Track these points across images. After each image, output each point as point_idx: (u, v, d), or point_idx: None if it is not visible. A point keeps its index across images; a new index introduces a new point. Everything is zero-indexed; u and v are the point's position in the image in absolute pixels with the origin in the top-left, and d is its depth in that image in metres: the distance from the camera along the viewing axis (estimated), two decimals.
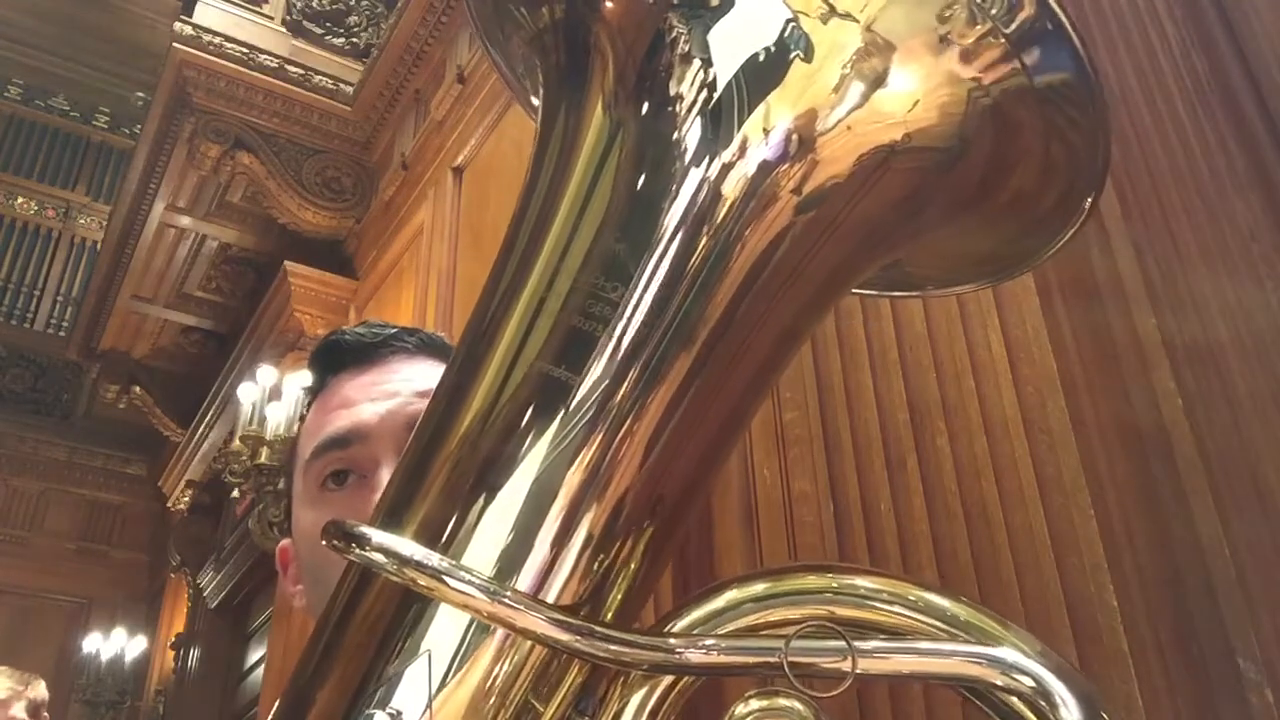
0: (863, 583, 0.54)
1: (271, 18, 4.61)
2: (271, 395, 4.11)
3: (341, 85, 4.54)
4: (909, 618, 0.53)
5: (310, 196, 4.39)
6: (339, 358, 0.89)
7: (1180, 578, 1.14)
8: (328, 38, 4.76)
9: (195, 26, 4.30)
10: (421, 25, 4.06)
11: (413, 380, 0.84)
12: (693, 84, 0.57)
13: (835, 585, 0.54)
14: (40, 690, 3.63)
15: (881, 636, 0.52)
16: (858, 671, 0.47)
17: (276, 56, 4.45)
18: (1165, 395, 1.22)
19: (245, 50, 4.35)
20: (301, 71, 4.48)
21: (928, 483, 1.46)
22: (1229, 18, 1.34)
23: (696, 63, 0.57)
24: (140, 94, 9.31)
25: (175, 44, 4.24)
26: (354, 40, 4.82)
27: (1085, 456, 1.28)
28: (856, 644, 0.47)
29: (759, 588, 0.55)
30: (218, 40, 4.30)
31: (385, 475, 0.79)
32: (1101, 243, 1.33)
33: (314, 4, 4.77)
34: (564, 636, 0.43)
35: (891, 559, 1.45)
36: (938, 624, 0.52)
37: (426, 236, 3.84)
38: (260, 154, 4.31)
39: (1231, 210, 1.26)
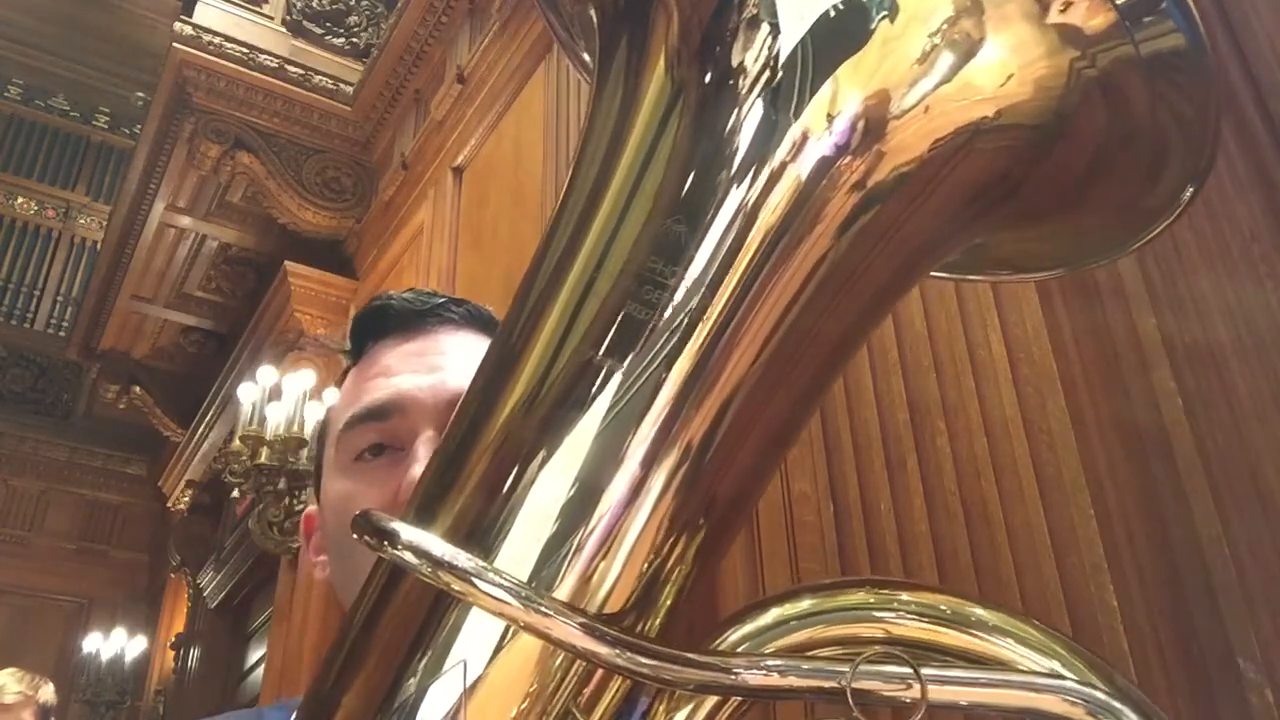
0: (917, 599, 0.51)
1: (271, 18, 4.61)
2: (271, 395, 4.11)
3: (341, 85, 4.55)
4: (972, 640, 0.49)
5: (310, 196, 4.39)
6: (383, 324, 0.85)
7: (1180, 578, 1.14)
8: (328, 38, 4.76)
9: (195, 26, 4.30)
10: (421, 25, 4.06)
11: (457, 354, 0.81)
12: (763, 49, 0.51)
13: (889, 602, 0.51)
14: (49, 693, 3.63)
15: (951, 662, 0.48)
16: (928, 701, 0.43)
17: (276, 56, 4.45)
18: (1165, 395, 1.22)
19: (245, 50, 4.35)
20: (301, 71, 4.48)
21: (928, 483, 1.46)
22: (1229, 18, 1.34)
23: (767, 26, 0.51)
24: (140, 94, 9.31)
25: (175, 44, 4.24)
26: (354, 40, 4.82)
27: (1085, 456, 1.28)
28: (925, 670, 0.43)
29: (805, 604, 0.51)
30: (218, 40, 4.30)
31: (422, 447, 0.75)
32: None
33: (314, 4, 4.77)
34: (603, 650, 0.40)
35: (891, 559, 1.46)
36: (1002, 648, 0.48)
37: (426, 236, 3.85)
38: (260, 154, 4.31)
39: (1231, 210, 1.26)
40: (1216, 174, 1.28)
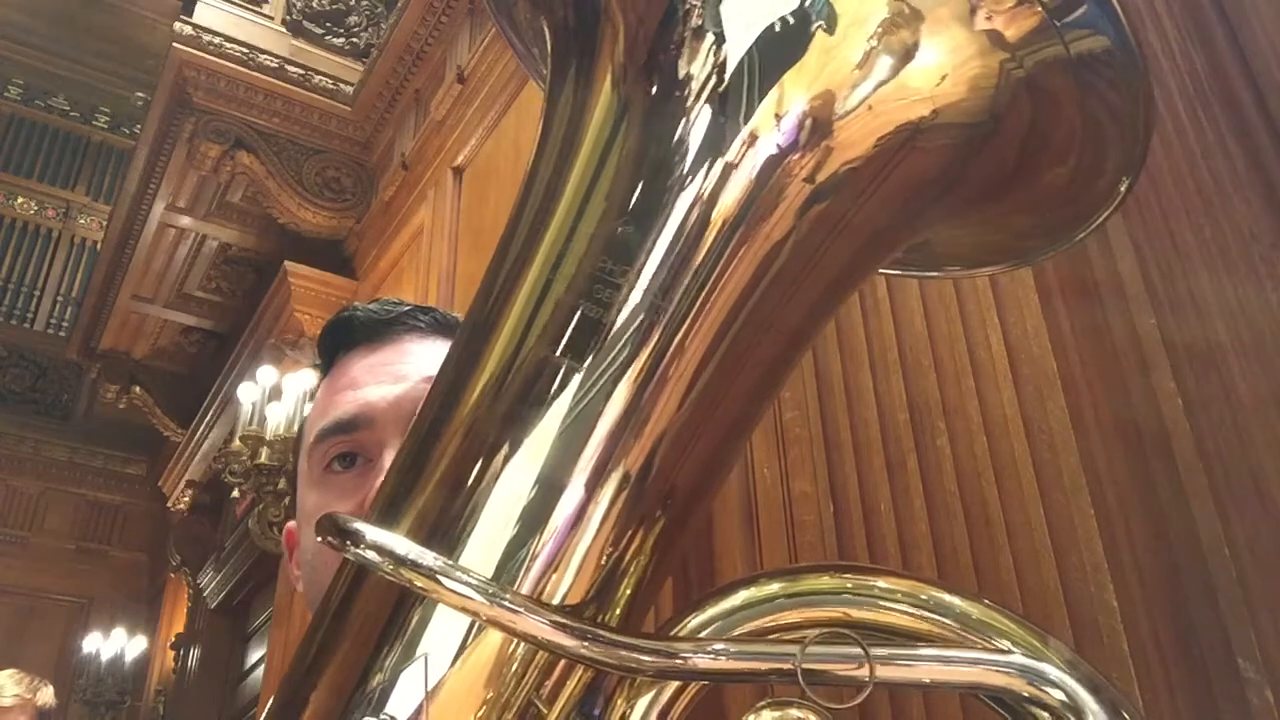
0: (881, 584, 0.52)
1: (271, 18, 4.61)
2: (271, 395, 4.11)
3: (341, 85, 4.54)
4: (930, 621, 0.51)
5: (310, 196, 4.38)
6: (349, 335, 0.86)
7: (1180, 578, 1.14)
8: (328, 38, 4.76)
9: (195, 26, 4.30)
10: (421, 25, 4.06)
11: (422, 363, 0.82)
12: (708, 59, 0.54)
13: (852, 586, 0.52)
14: (48, 696, 3.63)
15: (901, 642, 0.50)
16: (876, 679, 0.45)
17: (276, 56, 4.45)
18: (1165, 395, 1.22)
19: (245, 50, 4.35)
20: (301, 71, 4.48)
21: (928, 483, 1.46)
22: (1229, 17, 1.34)
23: (711, 36, 0.54)
24: (140, 94, 9.32)
25: (175, 44, 4.23)
26: (354, 40, 4.82)
27: (1085, 456, 1.28)
28: (875, 650, 0.45)
29: (774, 588, 0.53)
30: (218, 40, 4.30)
31: (389, 458, 0.76)
32: (1101, 242, 1.33)
33: (314, 4, 4.76)
34: (566, 641, 0.41)
35: (891, 559, 1.45)
36: (960, 628, 0.50)
37: (426, 236, 3.84)
38: (260, 154, 4.31)
39: (1231, 210, 1.26)
40: (1216, 174, 1.28)
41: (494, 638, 0.45)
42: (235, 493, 4.60)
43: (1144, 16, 1.42)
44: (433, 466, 0.50)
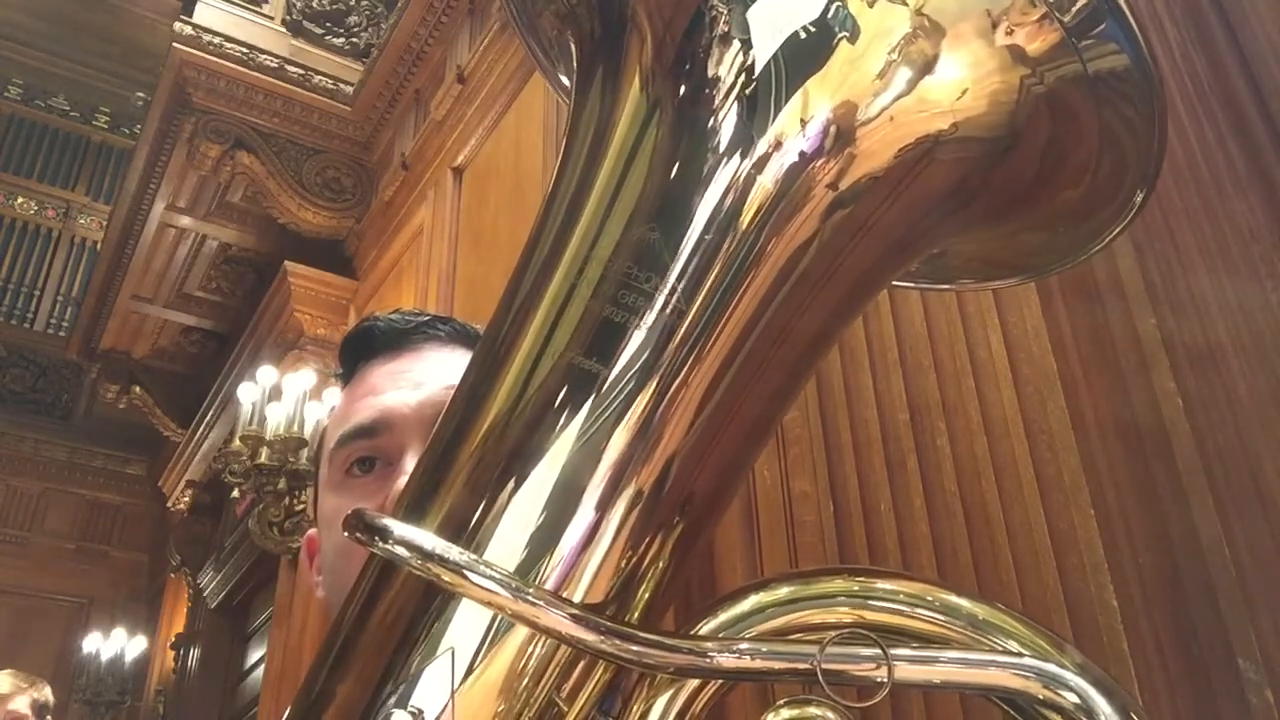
0: (892, 586, 0.53)
1: (271, 18, 4.61)
2: (271, 395, 4.11)
3: (341, 85, 4.54)
4: (941, 623, 0.51)
5: (310, 196, 4.38)
6: (369, 345, 0.87)
7: (1180, 578, 1.14)
8: (328, 38, 4.76)
9: (195, 26, 4.30)
10: (421, 25, 4.06)
11: (442, 369, 0.83)
12: (732, 67, 0.54)
13: (864, 589, 0.53)
14: (46, 693, 3.66)
15: (916, 644, 0.50)
16: (895, 680, 0.45)
17: (276, 56, 4.45)
18: (1165, 395, 1.22)
19: (245, 50, 4.35)
20: (301, 71, 4.48)
21: (928, 483, 1.46)
22: (1229, 18, 1.34)
23: (736, 44, 0.54)
24: (140, 94, 9.31)
25: (175, 44, 4.23)
26: (354, 40, 4.82)
27: (1085, 456, 1.28)
28: (892, 651, 0.46)
29: (784, 591, 0.53)
30: (218, 40, 4.30)
31: (409, 462, 0.77)
32: None
33: (314, 4, 4.76)
34: (589, 636, 0.42)
35: (891, 559, 1.46)
36: (970, 631, 0.51)
37: (426, 236, 3.84)
38: (260, 154, 4.31)
39: (1231, 210, 1.26)
40: (1216, 174, 1.28)
41: (518, 635, 0.46)
42: (235, 493, 4.60)
43: (1145, 18, 1.42)
44: (457, 469, 0.51)
